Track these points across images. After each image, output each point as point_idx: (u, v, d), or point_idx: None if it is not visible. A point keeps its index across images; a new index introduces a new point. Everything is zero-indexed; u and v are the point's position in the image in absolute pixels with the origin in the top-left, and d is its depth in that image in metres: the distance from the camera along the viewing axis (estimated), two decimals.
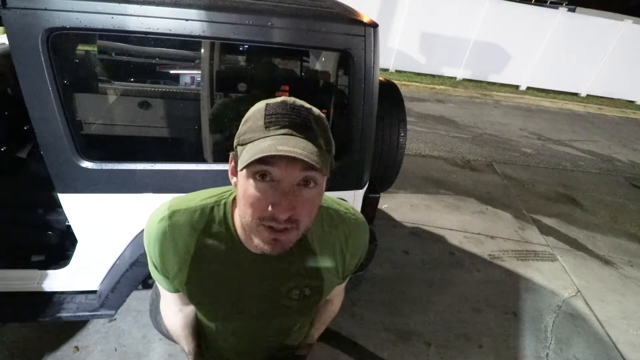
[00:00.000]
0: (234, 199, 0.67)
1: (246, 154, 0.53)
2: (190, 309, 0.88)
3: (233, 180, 0.62)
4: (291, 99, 0.56)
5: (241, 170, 0.54)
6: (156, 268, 0.72)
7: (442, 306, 2.41)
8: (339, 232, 0.74)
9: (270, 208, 0.54)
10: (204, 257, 0.68)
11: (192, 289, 0.71)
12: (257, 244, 0.59)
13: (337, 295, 0.96)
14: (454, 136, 5.39)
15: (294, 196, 0.54)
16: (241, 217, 0.60)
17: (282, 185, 0.54)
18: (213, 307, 0.75)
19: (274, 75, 1.73)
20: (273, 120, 0.53)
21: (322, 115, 0.58)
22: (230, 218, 0.67)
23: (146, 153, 1.49)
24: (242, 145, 0.56)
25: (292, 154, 0.49)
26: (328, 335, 2.06)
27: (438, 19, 7.87)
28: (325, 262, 0.74)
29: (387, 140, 1.89)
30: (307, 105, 0.57)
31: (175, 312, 0.86)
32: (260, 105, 0.57)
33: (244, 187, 0.57)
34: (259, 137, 0.53)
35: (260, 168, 0.53)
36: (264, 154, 0.50)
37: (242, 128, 0.58)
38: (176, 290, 0.77)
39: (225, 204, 0.68)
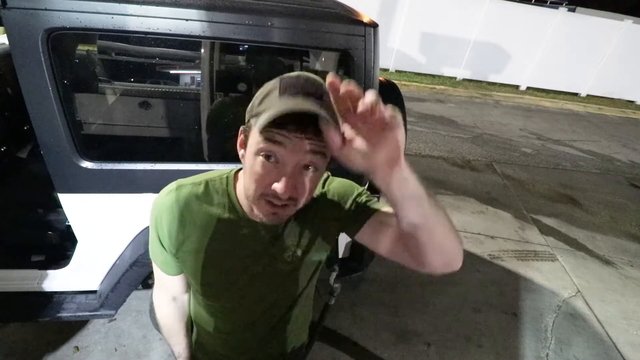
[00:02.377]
0: (236, 173, 0.75)
1: (262, 119, 0.54)
2: (185, 299, 0.89)
3: (241, 152, 0.66)
4: (305, 73, 0.59)
5: (260, 131, 0.56)
6: (161, 243, 0.75)
7: (442, 306, 2.41)
8: (327, 194, 0.78)
9: (272, 186, 0.59)
10: (208, 225, 0.73)
11: (195, 257, 0.75)
12: (257, 214, 0.65)
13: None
14: (453, 136, 5.39)
15: (295, 177, 0.59)
16: (245, 189, 0.65)
17: (286, 167, 0.58)
18: (213, 276, 0.77)
19: (274, 75, 1.73)
20: (287, 88, 0.56)
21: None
22: (233, 189, 0.73)
23: (146, 153, 1.49)
24: (255, 116, 0.58)
25: (307, 111, 0.51)
26: (328, 335, 2.07)
27: (438, 19, 7.88)
28: (323, 227, 0.77)
29: None
30: (319, 80, 0.58)
31: (170, 300, 0.87)
32: (274, 80, 0.59)
33: (250, 162, 0.61)
34: (272, 105, 0.55)
35: (268, 147, 0.57)
36: (282, 109, 0.51)
37: (255, 101, 0.61)
38: (177, 272, 0.80)
39: (227, 177, 0.75)
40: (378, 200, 0.78)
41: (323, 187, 0.79)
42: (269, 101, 0.57)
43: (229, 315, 0.84)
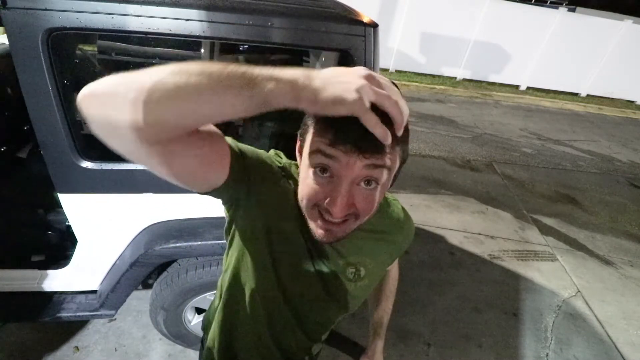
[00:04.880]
0: None
1: (312, 144, 0.53)
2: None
3: (298, 157, 0.62)
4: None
5: (313, 140, 0.53)
6: (253, 177, 0.63)
7: (442, 306, 2.41)
8: (393, 215, 0.79)
9: (326, 204, 0.54)
10: (286, 213, 0.66)
11: (260, 216, 0.66)
12: (311, 228, 0.59)
13: (393, 266, 1.00)
14: (454, 136, 5.39)
15: (353, 193, 0.54)
16: (299, 196, 0.60)
17: (342, 183, 0.53)
18: (271, 273, 0.70)
19: None
20: (340, 139, 0.50)
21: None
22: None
23: None
24: (315, 123, 0.54)
25: (356, 163, 0.51)
26: (328, 335, 2.06)
27: (438, 19, 7.87)
28: (381, 243, 0.77)
29: None
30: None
31: None
32: None
33: (305, 173, 0.57)
34: (325, 140, 0.52)
35: (321, 161, 0.52)
36: (329, 154, 0.51)
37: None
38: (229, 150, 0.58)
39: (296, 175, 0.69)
40: None
41: (394, 211, 0.80)
42: (322, 134, 0.52)
43: (272, 321, 0.78)
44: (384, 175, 0.54)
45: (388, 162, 0.52)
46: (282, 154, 0.73)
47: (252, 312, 0.76)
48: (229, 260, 0.75)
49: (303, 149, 0.57)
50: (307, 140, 0.55)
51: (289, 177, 0.68)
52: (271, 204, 0.65)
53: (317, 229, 0.59)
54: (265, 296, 0.73)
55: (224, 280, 0.80)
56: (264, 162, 0.65)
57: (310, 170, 0.55)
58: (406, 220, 0.81)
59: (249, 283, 0.72)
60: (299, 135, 0.60)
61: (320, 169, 0.53)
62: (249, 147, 0.64)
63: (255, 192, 0.63)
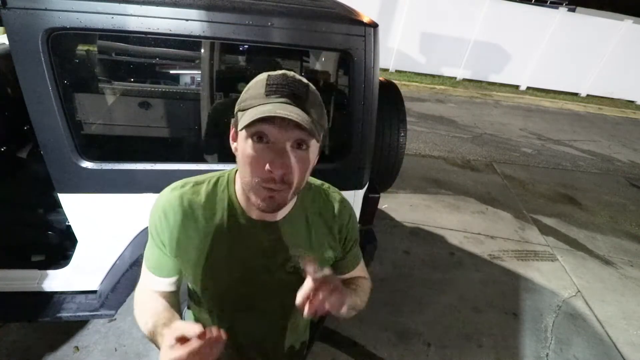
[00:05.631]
0: (237, 171, 0.74)
1: (247, 116, 0.59)
2: (170, 300, 0.81)
3: (233, 145, 0.68)
4: (291, 73, 0.62)
5: (241, 130, 0.60)
6: (161, 243, 0.76)
7: (442, 306, 2.41)
8: (327, 204, 0.81)
9: (266, 167, 0.60)
10: (209, 226, 0.73)
11: (197, 261, 0.75)
12: (254, 201, 0.65)
13: (361, 274, 0.98)
14: (454, 136, 5.39)
15: (287, 156, 0.61)
16: (241, 177, 0.67)
17: (277, 146, 0.60)
18: (215, 281, 0.77)
19: None
20: (273, 90, 0.60)
21: (317, 92, 0.64)
22: (233, 186, 0.74)
23: (146, 153, 1.49)
24: (242, 110, 0.62)
25: (288, 117, 0.57)
26: (328, 335, 2.07)
27: (438, 19, 7.88)
28: (316, 233, 0.79)
29: (387, 140, 1.89)
30: (305, 80, 0.63)
31: (154, 297, 0.80)
32: (262, 76, 0.63)
33: (243, 148, 0.63)
34: (259, 103, 0.60)
35: (258, 129, 0.59)
36: (264, 115, 0.57)
37: (243, 95, 0.64)
38: (169, 275, 0.79)
39: (228, 175, 0.76)
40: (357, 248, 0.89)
41: (324, 192, 0.81)
42: (256, 98, 0.60)
43: (230, 318, 0.83)
44: (313, 141, 0.63)
45: (312, 130, 0.59)
46: (189, 182, 0.77)
47: (213, 321, 0.84)
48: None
49: (238, 134, 0.64)
50: (241, 121, 0.61)
51: (221, 192, 0.75)
52: (203, 242, 0.74)
53: (260, 200, 0.64)
54: (215, 305, 0.83)
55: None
56: (178, 231, 0.74)
57: (249, 142, 0.61)
58: (341, 209, 0.82)
59: (202, 294, 0.81)
60: (232, 125, 0.68)
61: (257, 137, 0.60)
62: (166, 236, 0.75)
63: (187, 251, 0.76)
